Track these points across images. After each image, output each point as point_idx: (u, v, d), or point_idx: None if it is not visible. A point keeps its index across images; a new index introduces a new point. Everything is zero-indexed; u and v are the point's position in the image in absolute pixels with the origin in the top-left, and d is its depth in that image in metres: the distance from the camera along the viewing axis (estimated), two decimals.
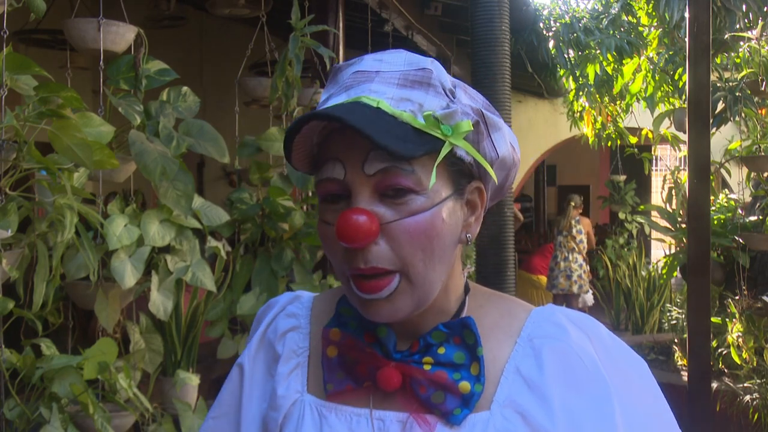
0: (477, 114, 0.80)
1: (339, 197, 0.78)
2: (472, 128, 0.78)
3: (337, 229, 0.74)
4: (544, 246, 8.92)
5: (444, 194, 0.78)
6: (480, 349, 0.81)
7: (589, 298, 8.11)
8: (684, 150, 4.95)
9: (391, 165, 0.74)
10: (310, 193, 2.92)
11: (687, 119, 3.30)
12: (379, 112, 0.75)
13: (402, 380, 0.81)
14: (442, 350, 0.81)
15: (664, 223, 5.19)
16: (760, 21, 4.84)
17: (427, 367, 0.80)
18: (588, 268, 7.95)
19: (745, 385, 4.05)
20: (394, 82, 0.78)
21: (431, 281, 0.78)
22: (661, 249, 6.43)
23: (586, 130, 7.65)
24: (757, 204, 4.85)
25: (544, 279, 8.42)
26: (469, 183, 0.82)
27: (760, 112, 4.91)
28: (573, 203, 7.96)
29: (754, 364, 4.13)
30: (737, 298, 4.38)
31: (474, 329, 0.81)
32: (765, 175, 4.68)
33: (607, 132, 7.63)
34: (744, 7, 4.86)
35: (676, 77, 5.61)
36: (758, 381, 4.01)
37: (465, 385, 0.79)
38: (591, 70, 6.47)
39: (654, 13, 5.98)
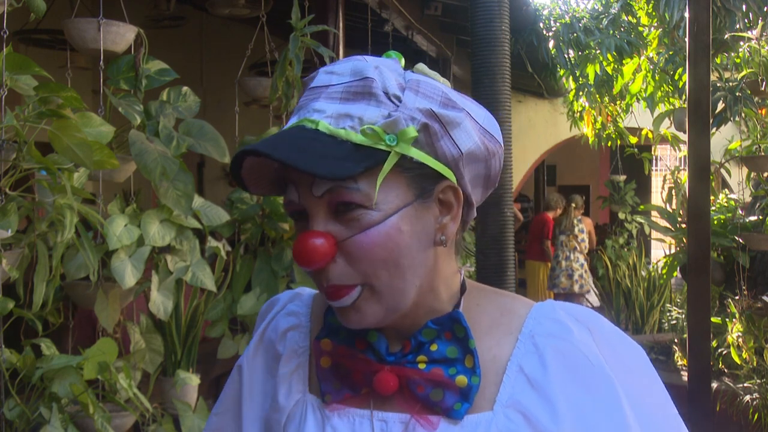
0: (427, 115, 0.76)
1: (303, 215, 0.79)
2: (418, 134, 0.76)
3: (294, 253, 0.76)
4: (535, 224, 8.73)
5: (401, 203, 0.76)
6: (472, 341, 0.80)
7: (593, 299, 8.10)
8: (684, 150, 4.95)
9: (334, 185, 0.74)
10: None
11: (687, 119, 3.30)
12: (317, 134, 0.74)
13: (399, 382, 0.81)
14: (434, 347, 0.81)
15: (664, 223, 5.20)
16: (760, 21, 4.84)
17: (422, 366, 0.80)
18: (587, 268, 7.95)
19: (745, 385, 4.05)
20: (338, 97, 0.77)
21: (400, 289, 0.78)
22: (661, 249, 6.43)
23: (586, 130, 7.66)
24: (757, 204, 4.85)
25: (538, 265, 8.42)
26: (437, 184, 0.79)
27: (760, 112, 4.92)
28: (574, 204, 7.99)
29: (754, 364, 4.13)
30: (737, 298, 4.38)
31: (463, 323, 0.81)
32: (765, 175, 4.68)
33: (607, 132, 7.63)
34: (744, 7, 4.87)
35: (676, 77, 5.61)
36: (758, 381, 4.01)
37: (462, 379, 0.79)
38: (591, 70, 6.47)
39: (654, 13, 5.99)
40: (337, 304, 0.78)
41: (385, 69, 0.78)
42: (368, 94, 0.76)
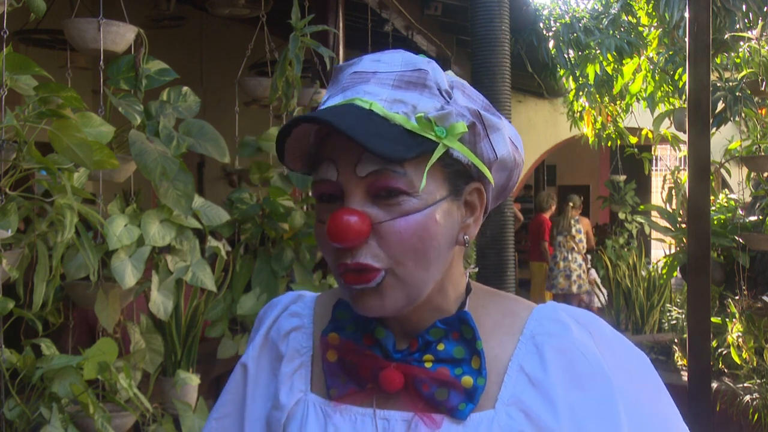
0: (473, 115, 0.79)
1: (333, 197, 0.78)
2: (467, 130, 0.78)
3: (328, 229, 0.75)
4: (533, 225, 8.69)
5: (439, 196, 0.77)
6: (479, 342, 0.81)
7: (594, 300, 8.10)
8: (684, 150, 4.95)
9: (382, 167, 0.75)
10: (310, 193, 2.93)
11: (687, 119, 3.30)
12: (371, 114, 0.75)
13: (404, 380, 0.81)
14: (441, 347, 0.81)
15: (664, 223, 5.19)
16: (760, 21, 4.84)
17: (428, 365, 0.81)
18: (586, 267, 7.93)
19: (745, 385, 4.04)
20: (389, 83, 0.78)
21: (422, 280, 0.78)
22: (661, 249, 6.43)
23: (586, 130, 7.66)
24: (757, 204, 4.85)
25: (540, 265, 8.42)
26: (467, 184, 0.81)
27: (760, 112, 4.91)
28: (572, 204, 7.98)
29: (754, 364, 4.13)
30: (737, 298, 4.38)
31: (471, 324, 0.82)
32: (765, 175, 4.68)
33: (607, 132, 7.63)
34: (744, 7, 4.86)
35: (676, 77, 5.61)
36: (758, 381, 4.01)
37: (467, 380, 0.80)
38: (591, 70, 6.47)
39: (654, 13, 5.99)
40: (360, 286, 0.77)
41: (435, 65, 0.80)
42: (422, 85, 0.78)
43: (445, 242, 0.79)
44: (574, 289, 7.75)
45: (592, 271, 8.15)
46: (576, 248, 7.82)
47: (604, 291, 8.18)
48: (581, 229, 7.93)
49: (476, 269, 0.91)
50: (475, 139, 0.80)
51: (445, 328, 0.82)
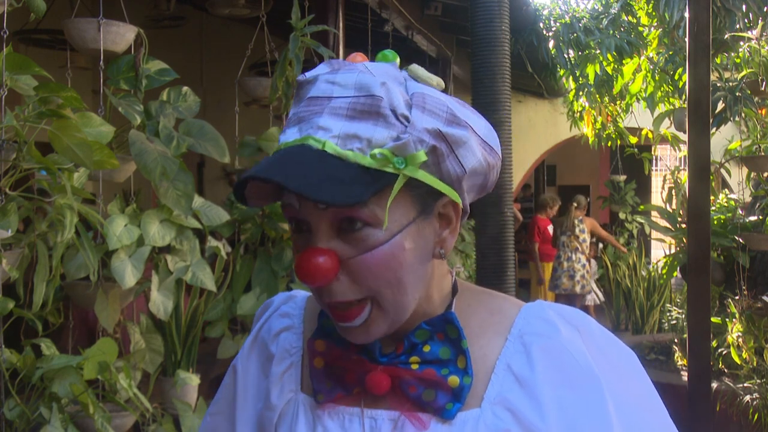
0: (435, 136, 0.76)
1: (300, 225, 0.78)
2: (427, 157, 0.75)
3: (297, 270, 0.75)
4: (530, 226, 8.66)
5: (405, 221, 0.76)
6: (464, 342, 0.81)
7: (591, 297, 8.09)
8: (684, 150, 4.95)
9: None
10: None
11: (687, 119, 3.30)
12: (324, 156, 0.73)
13: (391, 383, 0.81)
14: (427, 348, 0.81)
15: (664, 223, 5.20)
16: (760, 21, 4.84)
17: (414, 367, 0.81)
18: (588, 268, 7.92)
19: (745, 385, 4.05)
20: (343, 114, 0.74)
21: (403, 303, 0.78)
22: (661, 249, 6.43)
23: (586, 130, 7.66)
24: (757, 204, 4.85)
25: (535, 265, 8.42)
26: (437, 200, 0.79)
27: (760, 112, 4.92)
28: (576, 204, 7.95)
29: (754, 364, 4.13)
30: (737, 298, 4.38)
31: (456, 323, 0.82)
32: (765, 175, 4.68)
33: (607, 132, 7.63)
34: (744, 7, 4.87)
35: (676, 77, 5.61)
36: (758, 381, 4.01)
37: (454, 380, 0.80)
38: (591, 70, 6.47)
39: (654, 13, 5.99)
40: (346, 324, 0.78)
41: (392, 84, 0.76)
42: (376, 114, 0.74)
43: (419, 263, 0.78)
44: (578, 289, 7.73)
45: (593, 263, 8.12)
46: (580, 248, 7.81)
47: (599, 290, 8.17)
48: (585, 229, 7.92)
49: (461, 268, 0.90)
50: (439, 160, 0.77)
51: (430, 329, 0.82)
